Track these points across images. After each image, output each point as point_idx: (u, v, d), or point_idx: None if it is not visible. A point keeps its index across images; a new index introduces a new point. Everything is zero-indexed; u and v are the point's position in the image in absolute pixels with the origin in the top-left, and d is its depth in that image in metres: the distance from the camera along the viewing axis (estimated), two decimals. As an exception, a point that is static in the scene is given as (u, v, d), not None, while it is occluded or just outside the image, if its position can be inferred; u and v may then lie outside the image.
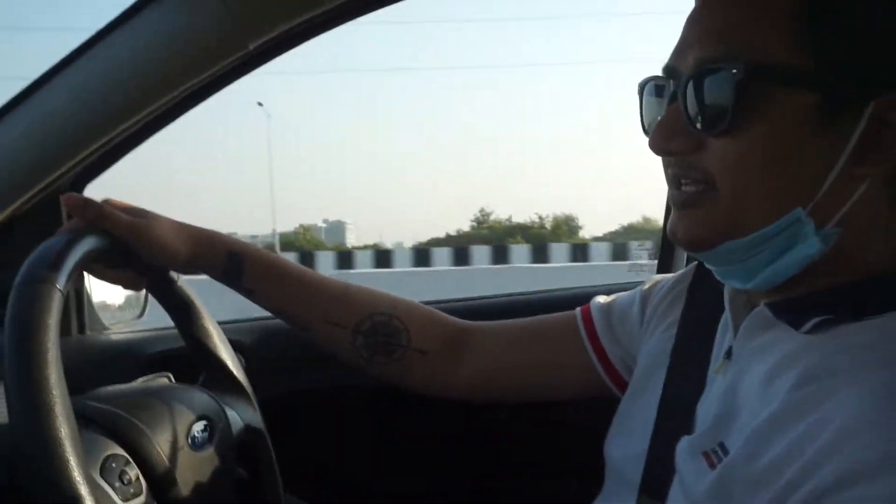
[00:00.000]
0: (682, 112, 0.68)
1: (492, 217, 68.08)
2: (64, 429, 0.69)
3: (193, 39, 1.04)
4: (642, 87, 0.77)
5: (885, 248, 0.68)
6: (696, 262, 0.94)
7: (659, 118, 0.71)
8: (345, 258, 31.56)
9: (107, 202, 0.94)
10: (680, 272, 0.98)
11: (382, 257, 32.00)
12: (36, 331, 0.73)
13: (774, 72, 0.64)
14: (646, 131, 0.77)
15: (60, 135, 1.11)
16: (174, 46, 1.05)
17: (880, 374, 0.59)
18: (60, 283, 0.78)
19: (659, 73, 0.74)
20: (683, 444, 0.72)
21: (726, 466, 0.65)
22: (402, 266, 29.56)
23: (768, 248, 0.68)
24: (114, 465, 0.79)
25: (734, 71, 0.64)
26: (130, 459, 0.82)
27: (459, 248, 35.17)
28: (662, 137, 0.71)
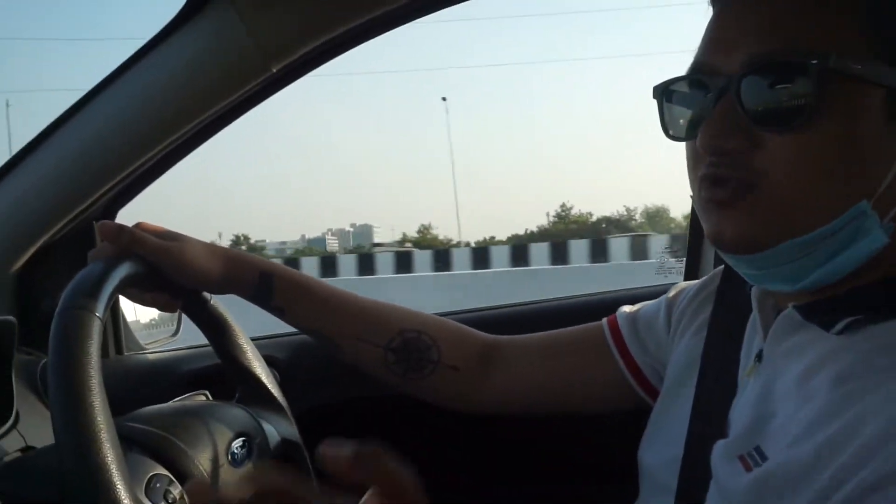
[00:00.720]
0: (738, 109, 0.66)
1: (573, 212, 66.47)
2: (110, 454, 0.72)
3: (218, 65, 1.07)
4: (663, 89, 0.75)
5: None
6: (723, 266, 0.94)
7: (709, 117, 0.68)
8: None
9: (139, 227, 0.96)
10: (705, 277, 0.98)
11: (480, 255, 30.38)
12: (79, 359, 0.75)
13: (848, 68, 0.63)
14: (671, 136, 0.75)
15: (92, 162, 1.14)
16: (199, 73, 1.07)
17: None
18: (99, 310, 0.81)
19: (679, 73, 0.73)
20: (719, 449, 0.72)
21: (765, 470, 0.65)
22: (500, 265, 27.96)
23: (828, 245, 0.66)
24: (158, 484, 0.81)
25: (813, 63, 0.62)
26: (173, 479, 0.84)
27: (557, 243, 32.77)
28: (716, 136, 0.67)
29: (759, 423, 0.70)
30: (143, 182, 1.23)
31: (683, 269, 1.68)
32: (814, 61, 0.62)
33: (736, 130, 0.66)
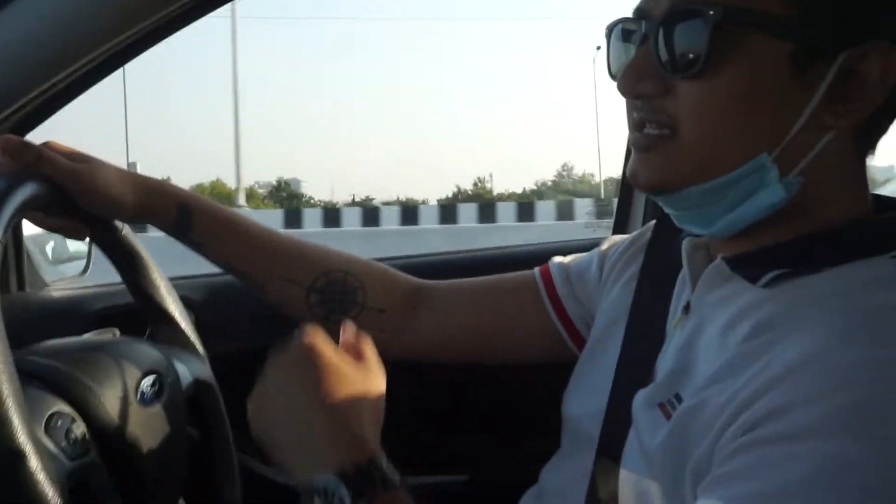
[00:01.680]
0: (653, 54, 0.68)
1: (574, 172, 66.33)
2: (5, 387, 0.66)
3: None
4: (610, 29, 0.77)
5: (842, 201, 0.69)
6: (654, 220, 0.94)
7: (630, 60, 0.71)
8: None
9: (47, 145, 0.90)
10: (638, 231, 0.99)
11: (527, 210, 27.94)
12: None
13: (751, 17, 0.64)
14: (612, 75, 0.76)
15: (2, 77, 1.05)
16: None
17: (837, 321, 0.60)
18: None
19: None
20: (640, 397, 0.73)
21: (679, 415, 0.66)
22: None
23: (731, 193, 0.68)
24: (59, 422, 0.76)
25: (711, 13, 0.63)
26: (77, 417, 0.79)
27: (484, 205, 30.64)
28: (632, 79, 0.70)
29: (680, 371, 0.71)
30: (57, 102, 1.14)
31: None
32: (711, 11, 0.63)
33: (650, 75, 0.69)
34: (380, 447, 0.69)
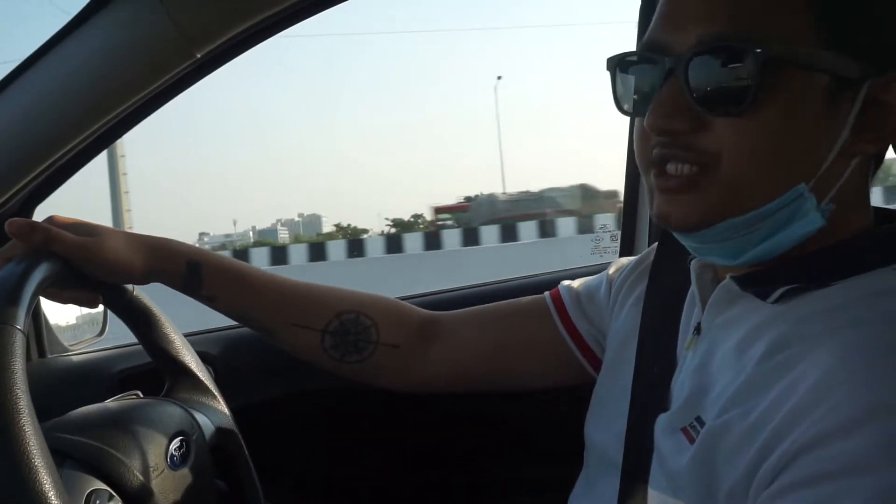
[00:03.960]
0: (685, 90, 0.67)
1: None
2: (47, 480, 0.68)
3: (138, 52, 1.01)
4: (616, 62, 0.76)
5: (851, 218, 0.71)
6: (657, 242, 0.95)
7: (656, 96, 0.69)
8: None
9: (52, 221, 0.92)
10: (642, 253, 1.00)
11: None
12: (4, 380, 0.71)
13: (793, 54, 0.65)
14: (623, 110, 0.76)
15: (5, 158, 1.08)
16: (119, 60, 1.02)
17: (850, 334, 0.61)
18: (20, 322, 0.76)
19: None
20: (661, 422, 0.74)
21: (703, 438, 0.66)
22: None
23: (766, 225, 0.68)
24: (98, 500, 0.78)
25: (758, 51, 0.63)
26: (113, 493, 0.80)
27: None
28: (662, 116, 0.68)
29: (698, 393, 0.71)
30: (61, 177, 1.16)
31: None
32: (758, 49, 0.63)
33: (682, 111, 0.67)
34: None
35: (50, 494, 0.67)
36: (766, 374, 0.63)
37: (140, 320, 1.02)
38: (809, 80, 0.65)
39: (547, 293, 1.06)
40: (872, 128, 0.67)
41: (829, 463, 0.55)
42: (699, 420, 0.69)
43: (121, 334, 1.29)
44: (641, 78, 0.73)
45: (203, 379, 1.05)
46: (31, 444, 0.69)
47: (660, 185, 0.71)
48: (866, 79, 0.66)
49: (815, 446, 0.56)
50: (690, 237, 0.72)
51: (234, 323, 1.09)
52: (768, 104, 0.65)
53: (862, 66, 0.66)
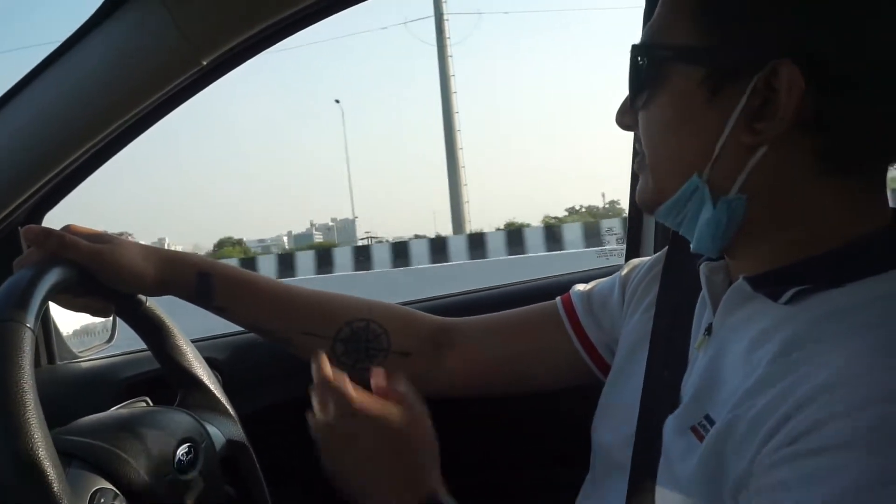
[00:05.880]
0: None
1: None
2: (50, 473, 0.69)
3: (145, 60, 1.02)
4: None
5: (848, 217, 0.69)
6: (668, 246, 0.95)
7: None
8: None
9: (67, 229, 0.93)
10: (656, 255, 1.00)
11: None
12: (11, 374, 0.72)
13: (669, 51, 0.72)
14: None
15: (14, 165, 1.09)
16: (126, 67, 1.03)
17: (864, 336, 0.61)
18: (30, 321, 0.77)
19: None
20: (670, 424, 0.74)
21: (712, 437, 0.67)
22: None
23: (686, 212, 0.74)
24: (102, 499, 0.78)
25: (644, 52, 0.74)
26: (118, 492, 0.81)
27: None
28: (618, 113, 0.80)
29: (707, 391, 0.72)
30: (70, 184, 1.17)
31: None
32: (643, 50, 0.74)
33: (625, 109, 0.79)
34: (439, 481, 0.79)
35: (54, 487, 0.68)
36: (777, 372, 0.64)
37: (152, 331, 1.03)
38: (687, 74, 0.70)
39: (559, 299, 1.07)
40: (764, 117, 0.67)
41: (828, 439, 0.56)
42: (708, 419, 0.69)
43: (128, 341, 1.30)
44: None
45: (214, 391, 1.06)
46: (35, 437, 0.70)
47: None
48: (753, 70, 0.66)
49: (818, 426, 0.57)
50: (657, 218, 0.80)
51: (240, 328, 1.10)
52: (656, 99, 0.73)
53: (747, 58, 0.66)
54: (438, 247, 24.85)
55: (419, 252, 24.51)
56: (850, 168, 0.69)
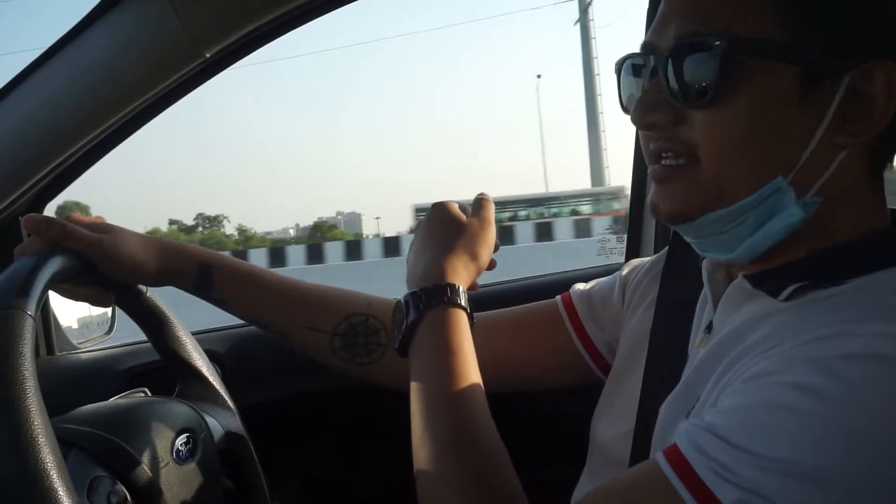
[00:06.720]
0: (664, 86, 0.70)
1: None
2: (49, 458, 0.68)
3: (147, 52, 1.03)
4: (620, 65, 0.79)
5: (859, 215, 0.70)
6: (669, 245, 0.95)
7: (640, 94, 0.74)
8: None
9: (68, 219, 0.93)
10: (656, 255, 1.00)
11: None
12: (12, 360, 0.72)
13: (757, 45, 0.66)
14: (624, 108, 0.79)
15: (16, 155, 1.09)
16: (128, 59, 1.03)
17: (854, 325, 0.61)
18: (31, 308, 0.77)
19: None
20: (664, 413, 0.75)
21: (696, 409, 0.69)
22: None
23: (750, 218, 0.69)
24: (101, 487, 0.79)
25: (717, 43, 0.66)
26: (117, 481, 0.81)
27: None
28: (644, 111, 0.72)
29: (699, 378, 0.72)
30: (70, 175, 1.18)
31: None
32: (717, 42, 0.66)
33: (661, 106, 0.71)
34: (463, 280, 0.86)
35: (52, 474, 0.68)
36: (755, 341, 0.66)
37: (152, 322, 1.03)
38: (777, 71, 0.66)
39: (559, 298, 1.06)
40: (854, 120, 0.66)
41: (759, 371, 0.61)
42: (698, 399, 0.70)
43: (128, 332, 1.30)
44: (636, 78, 0.77)
45: (214, 383, 1.06)
46: (35, 423, 0.70)
47: (652, 173, 0.75)
48: (844, 70, 0.65)
49: (757, 377, 0.61)
50: (683, 230, 0.75)
51: (241, 321, 1.10)
52: (734, 96, 0.66)
53: (840, 57, 0.65)
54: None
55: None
56: (885, 167, 0.70)
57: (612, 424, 0.89)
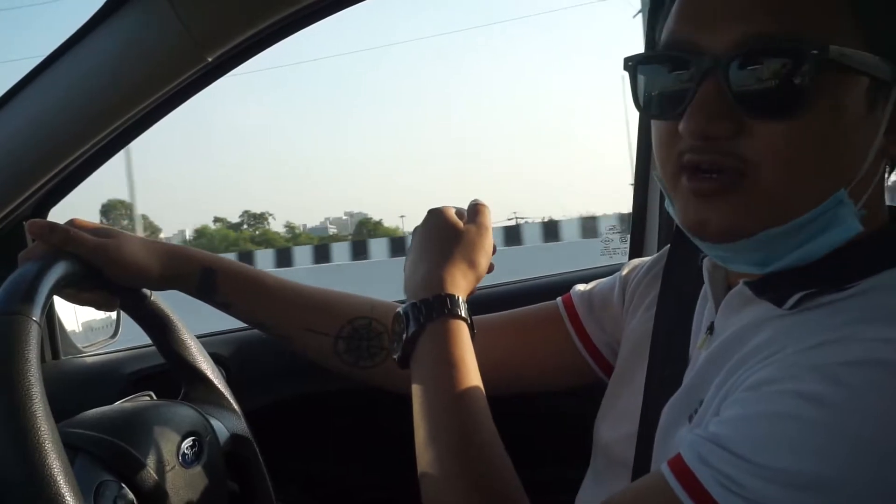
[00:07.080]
0: (726, 92, 0.64)
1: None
2: (56, 464, 0.69)
3: (149, 56, 1.03)
4: (637, 62, 0.73)
5: (868, 217, 0.69)
6: (669, 245, 0.95)
7: (695, 99, 0.65)
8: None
9: (72, 224, 0.93)
10: (656, 255, 1.00)
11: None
12: (18, 366, 0.72)
13: (843, 56, 0.62)
14: (651, 113, 0.73)
15: (19, 161, 1.09)
16: (130, 64, 1.03)
17: (855, 327, 0.60)
18: (36, 314, 0.77)
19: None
20: (667, 411, 0.75)
21: (699, 414, 0.69)
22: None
23: (803, 233, 0.66)
24: (107, 492, 0.79)
25: (814, 52, 0.61)
26: (123, 485, 0.81)
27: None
28: (703, 119, 0.65)
29: (703, 379, 0.72)
30: (73, 180, 1.18)
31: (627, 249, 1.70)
32: (815, 51, 0.61)
33: (723, 115, 0.64)
34: (462, 290, 0.86)
35: (59, 479, 0.68)
36: (759, 345, 0.66)
37: (157, 326, 1.03)
38: (853, 82, 0.63)
39: (559, 299, 1.06)
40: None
41: (760, 379, 0.61)
42: (701, 402, 0.70)
43: (133, 336, 1.30)
44: (669, 79, 0.69)
45: (219, 386, 1.06)
46: (42, 429, 0.70)
47: (694, 188, 0.67)
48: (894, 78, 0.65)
49: (760, 380, 0.61)
50: (726, 247, 0.69)
51: (246, 325, 1.10)
52: (813, 108, 0.62)
53: (894, 67, 0.65)
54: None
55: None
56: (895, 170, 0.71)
57: (614, 426, 0.89)
